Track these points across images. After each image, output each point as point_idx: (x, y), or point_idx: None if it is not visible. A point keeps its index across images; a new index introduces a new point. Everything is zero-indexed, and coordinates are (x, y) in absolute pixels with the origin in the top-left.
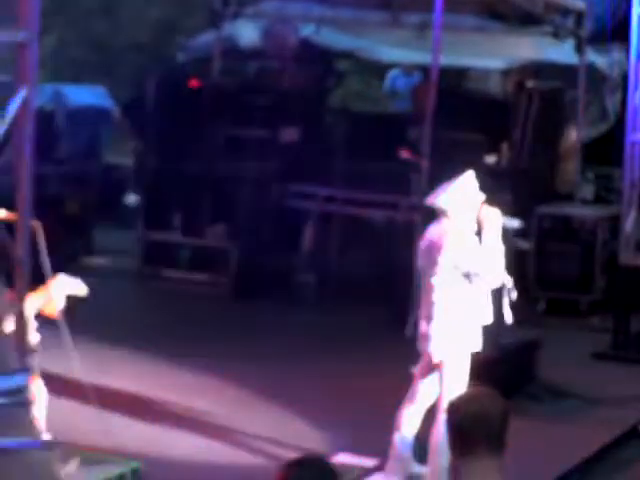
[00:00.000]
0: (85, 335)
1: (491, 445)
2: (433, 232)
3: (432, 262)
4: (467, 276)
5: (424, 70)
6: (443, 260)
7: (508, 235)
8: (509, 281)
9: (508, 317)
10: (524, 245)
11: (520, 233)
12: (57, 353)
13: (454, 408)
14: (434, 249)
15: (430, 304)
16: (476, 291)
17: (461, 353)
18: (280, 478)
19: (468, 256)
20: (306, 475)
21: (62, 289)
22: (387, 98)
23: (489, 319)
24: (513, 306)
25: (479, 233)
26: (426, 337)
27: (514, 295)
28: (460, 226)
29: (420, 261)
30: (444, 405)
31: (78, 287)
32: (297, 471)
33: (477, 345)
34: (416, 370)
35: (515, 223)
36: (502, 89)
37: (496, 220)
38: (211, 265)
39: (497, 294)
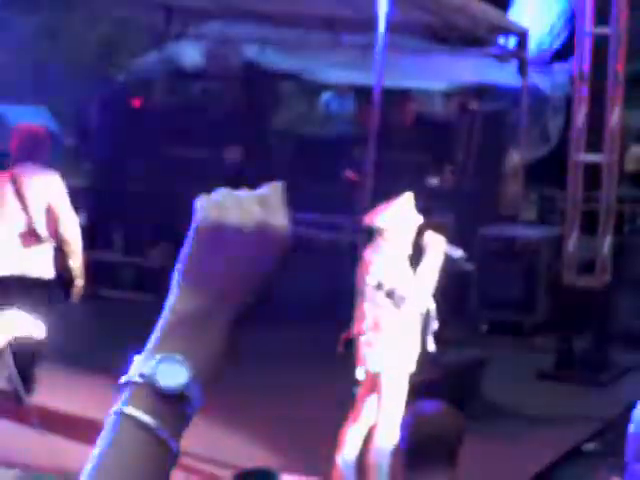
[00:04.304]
0: None
1: (445, 462)
2: (368, 251)
3: (363, 281)
4: (390, 296)
5: (361, 92)
6: (369, 278)
7: (454, 259)
8: (433, 309)
9: (430, 345)
10: (468, 267)
11: (464, 259)
12: None
13: (410, 423)
14: (365, 267)
15: (362, 322)
16: (404, 312)
17: (395, 372)
18: None
19: (393, 277)
20: None
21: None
22: (325, 120)
23: (417, 342)
24: (439, 333)
25: (420, 258)
26: (360, 355)
27: (436, 324)
28: (393, 247)
29: (356, 279)
30: (382, 423)
31: (34, 328)
32: None
33: (411, 365)
34: (359, 389)
35: (458, 252)
36: (445, 111)
37: (439, 248)
38: (153, 285)
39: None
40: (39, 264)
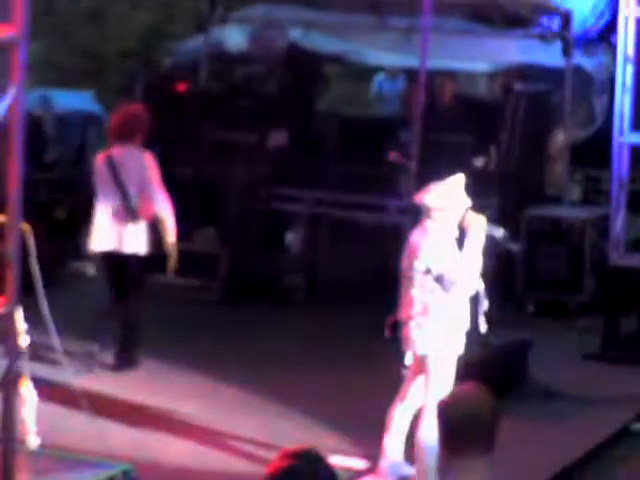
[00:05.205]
0: (75, 340)
1: (481, 444)
2: (415, 234)
3: (410, 264)
4: (439, 280)
5: (411, 73)
6: (418, 262)
7: (497, 239)
8: (482, 290)
9: (482, 326)
10: (513, 247)
11: (507, 239)
12: (47, 357)
13: (445, 406)
14: (413, 251)
15: (410, 306)
16: (453, 295)
17: (443, 355)
18: (274, 468)
19: (441, 260)
20: (300, 465)
21: None
22: (374, 102)
23: (466, 325)
24: (488, 314)
25: (462, 239)
26: (408, 339)
27: (486, 305)
28: (441, 229)
29: (403, 263)
30: (431, 405)
31: None
32: (292, 461)
33: (459, 347)
34: (407, 371)
35: (499, 232)
36: (489, 92)
37: (481, 228)
38: (200, 270)
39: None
40: (134, 240)
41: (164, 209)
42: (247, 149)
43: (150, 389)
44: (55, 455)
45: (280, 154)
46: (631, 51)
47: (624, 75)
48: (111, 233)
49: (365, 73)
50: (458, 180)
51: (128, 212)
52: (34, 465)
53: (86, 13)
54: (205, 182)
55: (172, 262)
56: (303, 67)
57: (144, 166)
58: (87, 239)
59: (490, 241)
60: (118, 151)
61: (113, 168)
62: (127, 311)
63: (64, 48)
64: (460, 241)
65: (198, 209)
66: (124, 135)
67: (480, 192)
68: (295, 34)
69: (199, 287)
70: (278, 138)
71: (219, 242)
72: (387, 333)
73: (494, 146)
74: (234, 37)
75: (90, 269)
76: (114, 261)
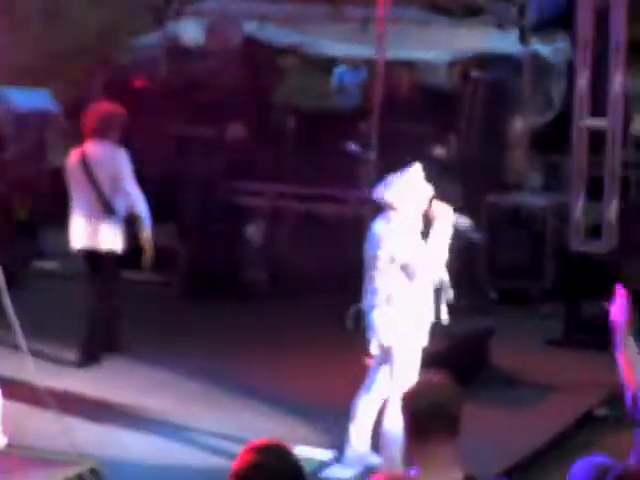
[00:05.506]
0: (39, 337)
1: (446, 431)
2: (378, 224)
3: (374, 253)
4: (404, 269)
5: (373, 64)
6: (382, 252)
7: (461, 229)
8: (447, 280)
9: (444, 316)
10: (475, 236)
11: (472, 229)
12: (11, 356)
13: (410, 395)
14: (376, 241)
15: (374, 295)
16: (417, 284)
17: (407, 343)
18: (241, 462)
19: (406, 249)
20: (267, 459)
21: None
22: (334, 93)
23: (430, 314)
24: (452, 303)
25: (428, 229)
26: (372, 328)
27: (450, 294)
28: (404, 219)
29: (365, 253)
30: (396, 394)
31: None
32: (258, 455)
33: (423, 337)
34: (370, 361)
35: (466, 222)
36: (449, 81)
37: (447, 217)
38: (160, 264)
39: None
40: (109, 237)
41: (139, 205)
42: (204, 143)
43: (114, 385)
44: (23, 454)
45: (238, 147)
46: (589, 35)
47: (583, 59)
48: (87, 230)
49: (325, 65)
50: (416, 170)
51: (103, 209)
52: (1, 464)
53: (41, 9)
54: (164, 176)
55: (148, 257)
56: (259, 60)
57: (117, 162)
58: (49, 237)
59: (455, 231)
60: (91, 148)
61: (86, 165)
62: (97, 308)
63: (19, 45)
64: (426, 230)
65: (157, 204)
66: (100, 132)
67: (440, 181)
68: (250, 27)
69: (160, 282)
70: (235, 131)
71: (178, 236)
72: (348, 323)
73: (454, 135)
74: (190, 31)
75: (54, 266)
76: (91, 258)
